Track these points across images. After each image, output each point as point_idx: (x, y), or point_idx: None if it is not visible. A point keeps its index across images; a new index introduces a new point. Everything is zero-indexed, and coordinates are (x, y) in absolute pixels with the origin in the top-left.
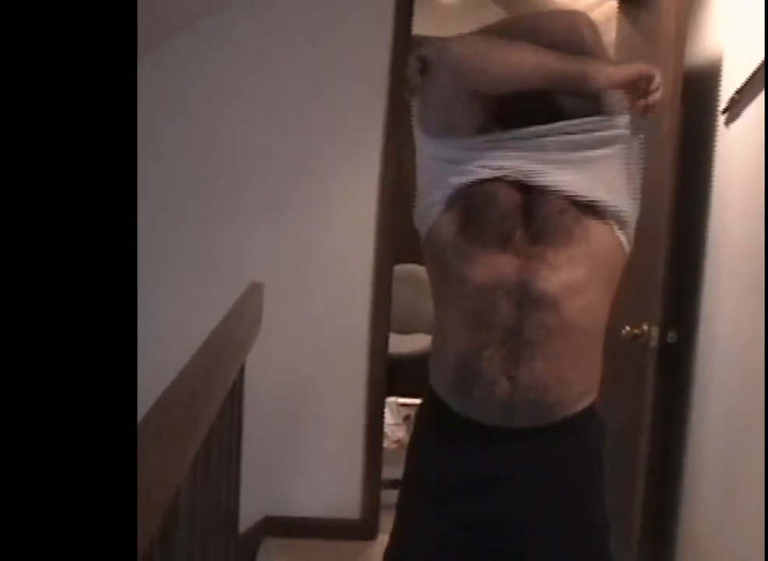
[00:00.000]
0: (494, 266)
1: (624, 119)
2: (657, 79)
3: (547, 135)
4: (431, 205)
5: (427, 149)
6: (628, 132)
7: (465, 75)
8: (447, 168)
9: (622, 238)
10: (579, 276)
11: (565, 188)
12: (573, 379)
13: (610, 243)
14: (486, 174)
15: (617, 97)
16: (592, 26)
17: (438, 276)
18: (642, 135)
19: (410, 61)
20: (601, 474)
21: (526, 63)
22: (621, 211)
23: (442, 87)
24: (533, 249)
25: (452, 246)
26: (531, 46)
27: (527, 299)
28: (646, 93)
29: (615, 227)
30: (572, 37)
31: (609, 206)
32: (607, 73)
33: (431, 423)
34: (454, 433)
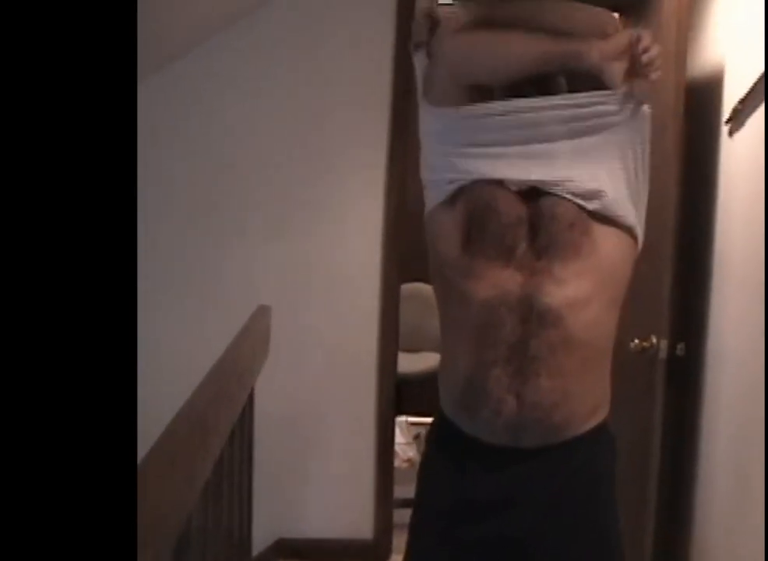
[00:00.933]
0: (498, 282)
1: (627, 94)
2: (647, 37)
3: (549, 109)
4: (433, 199)
5: (426, 119)
6: (632, 105)
7: (458, 70)
8: (446, 151)
9: (637, 230)
10: (585, 291)
11: (572, 187)
12: (581, 396)
13: (619, 252)
14: (486, 171)
15: (616, 70)
16: (618, 27)
17: (442, 292)
18: (649, 108)
19: (418, 15)
20: (612, 492)
21: (518, 50)
22: (628, 212)
23: (439, 77)
24: (538, 264)
25: (455, 261)
26: (522, 33)
27: (532, 315)
28: (643, 52)
29: (626, 225)
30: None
31: (618, 208)
32: (599, 46)
33: (441, 444)
34: (463, 454)
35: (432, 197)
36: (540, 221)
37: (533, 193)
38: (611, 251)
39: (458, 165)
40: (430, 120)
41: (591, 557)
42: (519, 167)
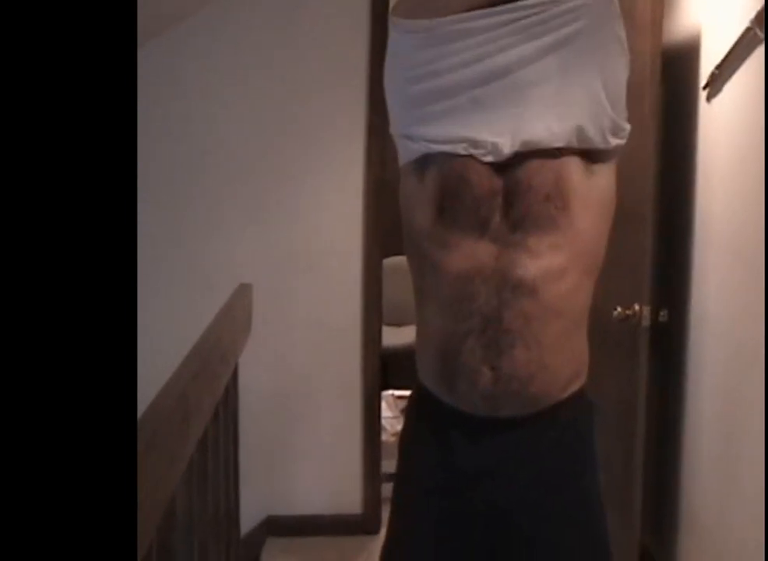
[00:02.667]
0: (472, 253)
1: None
2: None
3: (519, 15)
4: (404, 157)
5: (392, 47)
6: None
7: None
8: (410, 92)
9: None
10: (560, 262)
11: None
12: (558, 366)
13: (597, 222)
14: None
15: None
16: None
17: (416, 264)
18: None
19: None
20: (593, 457)
21: None
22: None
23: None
24: (512, 236)
25: (428, 232)
26: None
27: (506, 287)
28: None
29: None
30: None
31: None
32: None
33: (420, 415)
34: (442, 425)
35: (403, 154)
36: (516, 191)
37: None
38: (588, 224)
39: (423, 130)
40: (395, 45)
41: (574, 521)
42: (494, 125)
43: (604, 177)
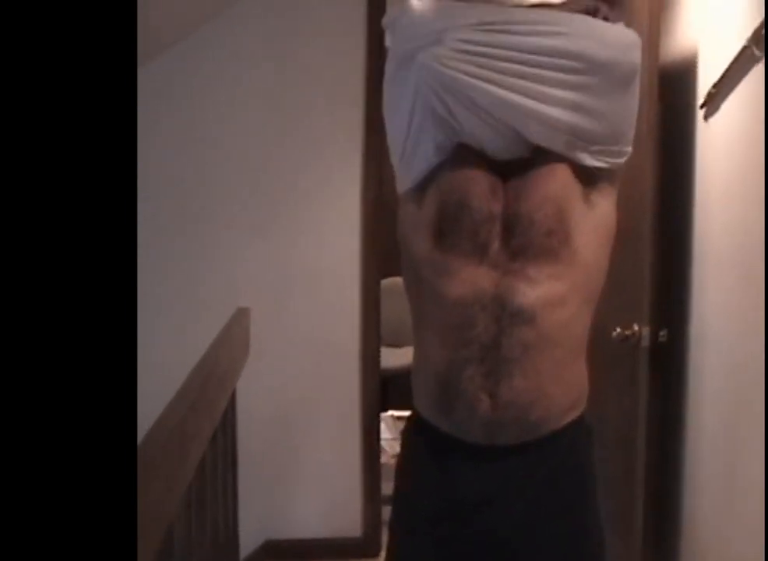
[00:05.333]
0: (471, 279)
1: None
2: None
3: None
4: (403, 184)
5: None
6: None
7: None
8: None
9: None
10: (559, 291)
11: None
12: (556, 395)
13: (599, 252)
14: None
15: None
16: None
17: (414, 289)
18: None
19: None
20: (593, 483)
21: None
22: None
23: None
24: (512, 264)
25: (427, 258)
26: None
27: (504, 314)
28: None
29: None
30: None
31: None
32: None
33: (417, 443)
34: (440, 453)
35: (401, 182)
36: (516, 223)
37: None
38: (589, 254)
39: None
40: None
41: (574, 549)
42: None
43: (605, 206)
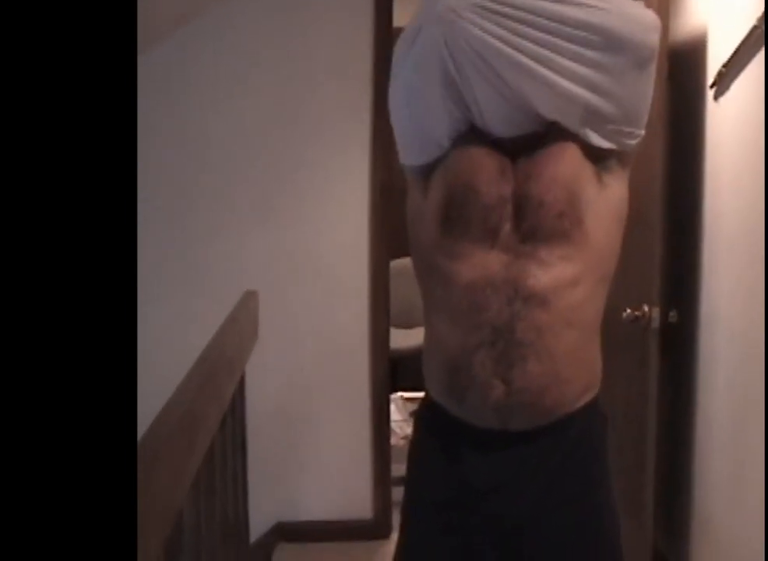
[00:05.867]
0: (482, 263)
1: None
2: None
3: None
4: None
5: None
6: None
7: None
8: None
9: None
10: (572, 273)
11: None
12: (570, 378)
13: (612, 232)
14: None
15: None
16: None
17: (424, 274)
18: None
19: None
20: (606, 469)
21: None
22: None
23: None
24: (523, 247)
25: (436, 243)
26: None
27: (517, 297)
28: None
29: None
30: None
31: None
32: None
33: (429, 427)
34: (452, 438)
35: (408, 169)
36: (526, 205)
37: (525, 146)
38: (601, 235)
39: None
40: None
41: (587, 534)
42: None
43: (617, 188)
